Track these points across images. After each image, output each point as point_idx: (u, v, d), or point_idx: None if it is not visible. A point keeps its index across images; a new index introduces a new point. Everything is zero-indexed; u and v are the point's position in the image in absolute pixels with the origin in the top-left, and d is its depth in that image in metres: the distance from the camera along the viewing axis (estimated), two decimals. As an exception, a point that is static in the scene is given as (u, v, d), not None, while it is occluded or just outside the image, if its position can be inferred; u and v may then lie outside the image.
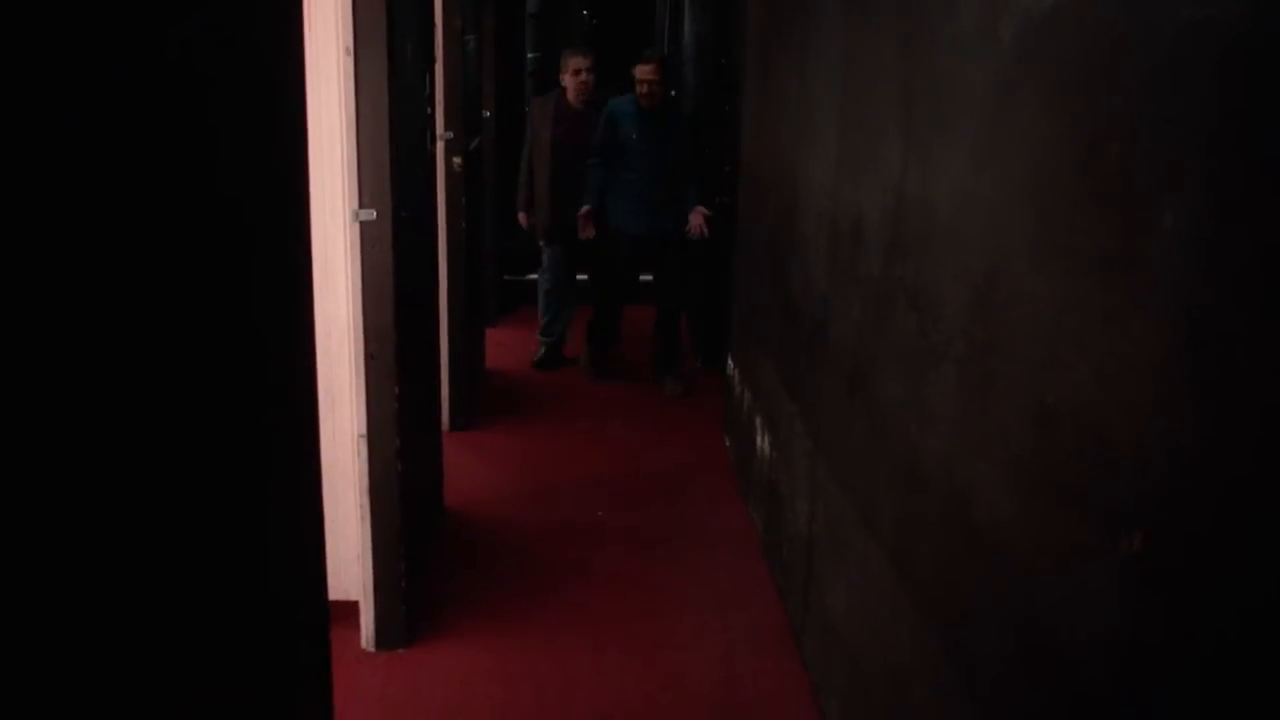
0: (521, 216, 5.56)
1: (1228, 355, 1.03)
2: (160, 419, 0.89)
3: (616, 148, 5.02)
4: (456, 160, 4.43)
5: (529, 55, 7.00)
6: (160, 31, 0.88)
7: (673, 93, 5.77)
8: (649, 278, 5.45)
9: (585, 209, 5.11)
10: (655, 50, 5.69)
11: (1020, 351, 1.51)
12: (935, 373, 1.86)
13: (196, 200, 0.97)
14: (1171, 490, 1.11)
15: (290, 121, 1.30)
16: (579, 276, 5.73)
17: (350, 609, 2.90)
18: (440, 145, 4.08)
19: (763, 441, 3.73)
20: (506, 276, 6.81)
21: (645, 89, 4.92)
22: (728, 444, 4.54)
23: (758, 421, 3.84)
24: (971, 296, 1.70)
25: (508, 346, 5.98)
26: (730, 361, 4.60)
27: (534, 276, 5.93)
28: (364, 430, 2.75)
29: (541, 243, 5.57)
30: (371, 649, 2.92)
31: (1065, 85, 1.40)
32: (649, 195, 5.04)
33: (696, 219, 5.02)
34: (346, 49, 2.54)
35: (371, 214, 2.64)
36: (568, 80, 5.30)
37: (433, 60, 3.86)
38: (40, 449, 0.69)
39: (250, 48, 1.15)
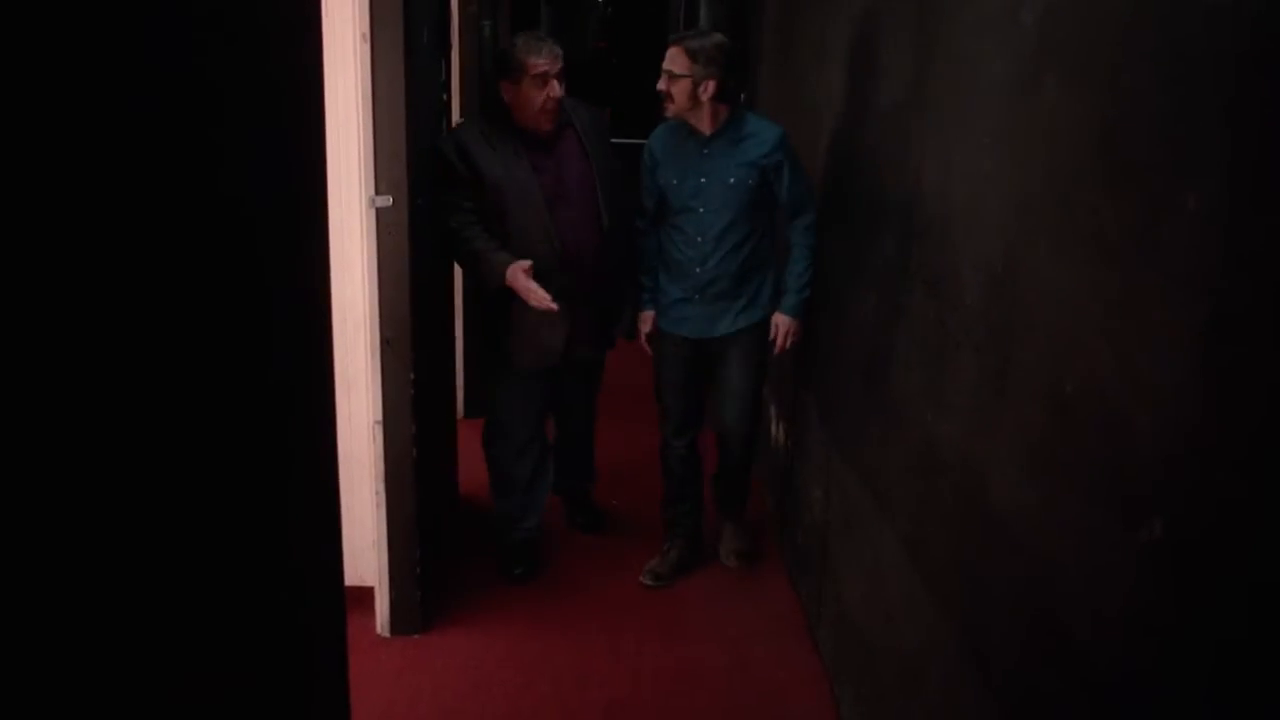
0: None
1: (1250, 341, 1.02)
2: (177, 406, 0.89)
3: (661, 202, 3.07)
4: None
5: None
6: (173, 18, 0.88)
7: (743, 99, 3.90)
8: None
9: (647, 315, 3.19)
10: (690, 31, 3.25)
11: (1039, 338, 1.50)
12: (952, 360, 1.85)
13: (213, 189, 0.97)
14: (1192, 477, 1.10)
15: (307, 108, 1.30)
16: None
17: (365, 594, 2.92)
18: (456, 132, 4.08)
19: (776, 429, 3.73)
20: None
21: (665, 94, 2.93)
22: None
23: (771, 409, 3.84)
24: (989, 282, 1.69)
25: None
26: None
27: None
28: (379, 416, 2.76)
29: (499, 361, 3.15)
30: (387, 634, 2.93)
31: (1086, 68, 1.38)
32: (696, 277, 3.04)
33: (781, 333, 3.06)
34: (363, 35, 2.54)
35: (388, 200, 2.64)
36: (527, 93, 2.91)
37: (449, 46, 3.85)
38: (49, 444, 0.69)
39: (267, 33, 1.14)
